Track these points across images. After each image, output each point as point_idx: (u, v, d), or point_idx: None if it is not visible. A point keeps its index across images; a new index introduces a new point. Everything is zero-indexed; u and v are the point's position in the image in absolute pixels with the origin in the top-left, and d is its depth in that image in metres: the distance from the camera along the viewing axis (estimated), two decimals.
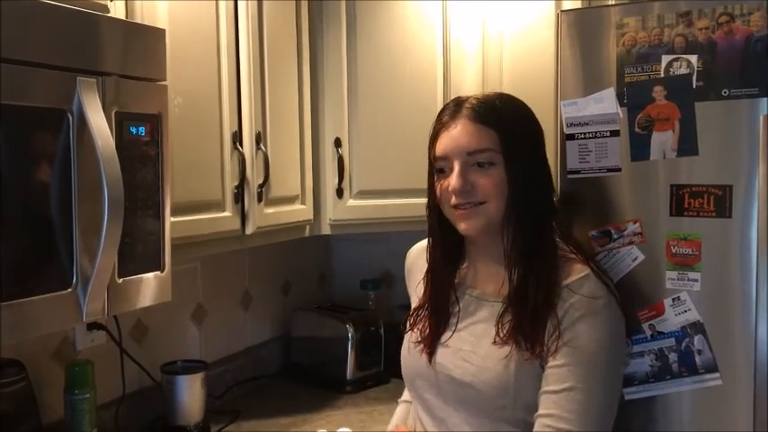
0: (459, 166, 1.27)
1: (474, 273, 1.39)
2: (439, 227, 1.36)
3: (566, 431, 1.18)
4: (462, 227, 1.30)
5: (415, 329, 1.40)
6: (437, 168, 1.32)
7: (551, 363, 1.22)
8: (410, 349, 1.40)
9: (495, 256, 1.32)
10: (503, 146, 1.26)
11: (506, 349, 1.25)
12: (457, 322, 1.35)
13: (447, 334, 1.34)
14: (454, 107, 1.31)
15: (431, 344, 1.35)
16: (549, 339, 1.22)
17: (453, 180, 1.27)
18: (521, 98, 2.10)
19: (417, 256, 1.50)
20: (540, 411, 1.22)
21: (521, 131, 1.29)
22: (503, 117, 1.28)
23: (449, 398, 1.32)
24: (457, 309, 1.36)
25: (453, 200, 1.28)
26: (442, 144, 1.30)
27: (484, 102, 1.30)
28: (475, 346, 1.30)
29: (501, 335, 1.26)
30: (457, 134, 1.28)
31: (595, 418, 1.21)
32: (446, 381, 1.32)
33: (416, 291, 1.47)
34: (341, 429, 1.83)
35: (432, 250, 1.40)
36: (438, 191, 1.32)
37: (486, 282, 1.35)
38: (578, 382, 1.20)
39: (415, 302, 1.47)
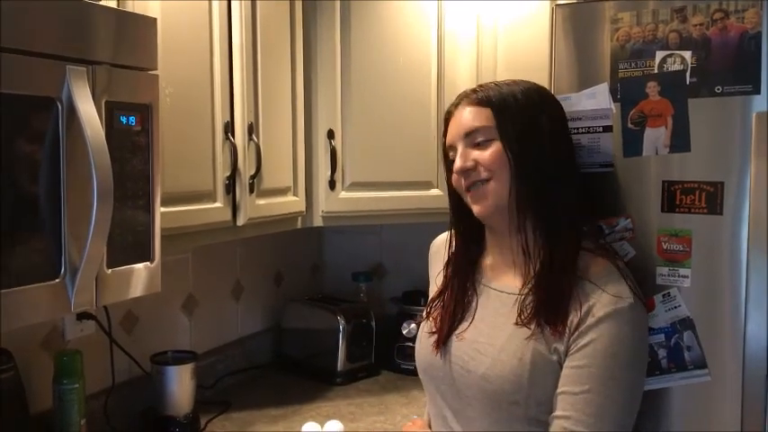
0: (460, 149, 1.30)
1: (493, 265, 1.38)
2: (458, 218, 1.38)
3: None
4: (475, 210, 1.30)
5: (431, 319, 1.40)
6: (450, 160, 1.34)
7: (571, 362, 1.21)
8: (423, 339, 1.40)
9: (510, 244, 1.32)
10: (497, 120, 1.27)
11: (525, 332, 1.23)
12: (474, 314, 1.34)
13: (463, 325, 1.34)
14: (458, 98, 1.34)
15: (446, 335, 1.34)
16: (570, 335, 1.21)
17: (456, 161, 1.30)
18: None
19: (441, 245, 1.49)
20: (557, 412, 1.20)
21: (518, 106, 1.28)
22: (498, 94, 1.29)
23: (462, 390, 1.30)
24: (475, 300, 1.35)
25: (462, 182, 1.30)
26: (449, 134, 1.34)
27: (484, 85, 1.32)
28: (491, 338, 1.28)
29: (523, 316, 1.25)
30: (457, 120, 1.32)
31: (613, 422, 1.19)
32: (460, 373, 1.30)
33: (436, 281, 1.47)
34: (330, 422, 1.83)
35: (451, 242, 1.42)
36: (453, 181, 1.34)
37: (505, 274, 1.34)
38: (598, 385, 1.18)
39: (434, 293, 1.46)
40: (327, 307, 2.40)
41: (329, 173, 2.07)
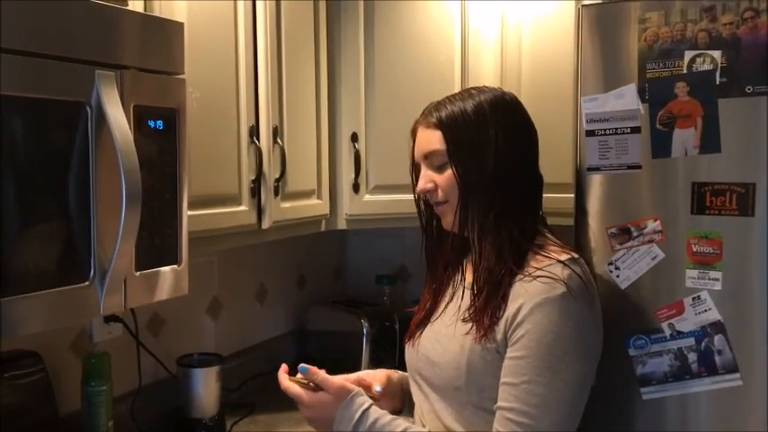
0: (423, 168, 1.37)
1: (468, 264, 1.42)
2: (428, 221, 1.44)
3: (527, 425, 1.19)
4: (443, 223, 1.38)
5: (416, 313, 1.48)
6: (417, 171, 1.41)
7: (510, 353, 1.23)
8: (409, 333, 1.47)
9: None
10: (446, 145, 1.31)
11: (467, 326, 1.28)
12: (444, 307, 1.40)
13: (434, 317, 1.41)
14: (421, 115, 1.39)
15: (419, 326, 1.42)
16: (509, 327, 1.24)
17: (419, 182, 1.37)
18: (541, 92, 2.08)
19: None
20: (501, 404, 1.23)
21: (466, 129, 1.31)
22: (448, 116, 1.33)
23: (426, 378, 1.37)
24: (449, 295, 1.41)
25: (427, 198, 1.38)
26: (414, 150, 1.40)
27: (438, 104, 1.36)
28: (449, 328, 1.34)
29: (469, 312, 1.30)
30: (418, 140, 1.38)
31: (558, 411, 1.20)
32: (423, 360, 1.37)
33: None
34: None
35: (423, 240, 1.47)
36: (419, 193, 1.40)
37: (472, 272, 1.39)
38: (537, 376, 1.20)
39: None
40: (351, 310, 2.40)
41: (353, 176, 2.07)
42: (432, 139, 1.33)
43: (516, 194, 1.31)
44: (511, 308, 1.24)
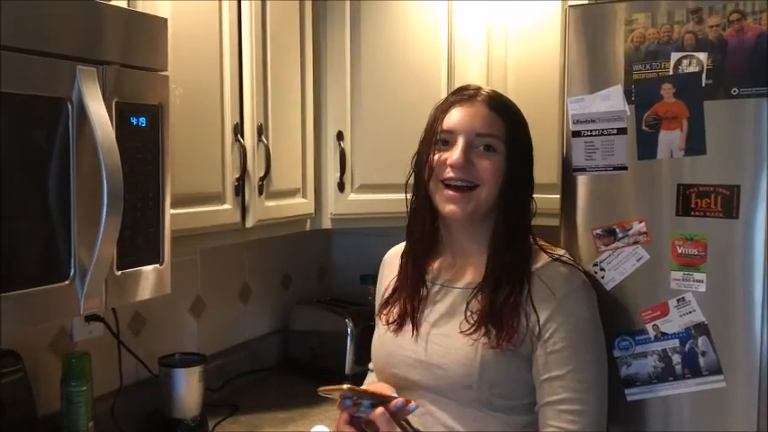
0: (464, 142, 1.31)
1: (447, 263, 1.41)
2: (423, 209, 1.38)
3: (580, 411, 1.24)
4: (449, 208, 1.32)
5: (385, 315, 1.43)
6: (441, 140, 1.34)
7: (546, 349, 1.26)
8: (381, 335, 1.43)
9: (472, 245, 1.37)
10: (508, 136, 1.32)
11: (481, 330, 1.28)
12: (425, 308, 1.38)
13: (417, 318, 1.37)
14: (470, 90, 1.36)
15: (401, 328, 1.38)
16: (533, 328, 1.26)
17: (456, 154, 1.30)
18: (525, 94, 2.11)
19: (395, 257, 1.51)
20: (549, 398, 1.25)
21: (521, 129, 1.37)
22: (511, 111, 1.36)
23: (418, 381, 1.34)
24: (427, 296, 1.39)
25: (449, 173, 1.31)
26: (454, 118, 1.33)
27: (498, 94, 1.38)
28: (444, 329, 1.33)
29: (470, 322, 1.29)
30: (472, 113, 1.32)
31: (600, 388, 1.28)
32: (415, 363, 1.34)
33: (389, 288, 1.48)
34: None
35: (411, 233, 1.41)
36: (434, 163, 1.33)
37: (459, 271, 1.38)
38: (579, 362, 1.26)
39: (389, 291, 1.47)
40: (335, 309, 2.39)
41: (338, 175, 2.06)
42: (494, 123, 1.32)
43: (532, 190, 1.38)
44: (532, 308, 1.27)
